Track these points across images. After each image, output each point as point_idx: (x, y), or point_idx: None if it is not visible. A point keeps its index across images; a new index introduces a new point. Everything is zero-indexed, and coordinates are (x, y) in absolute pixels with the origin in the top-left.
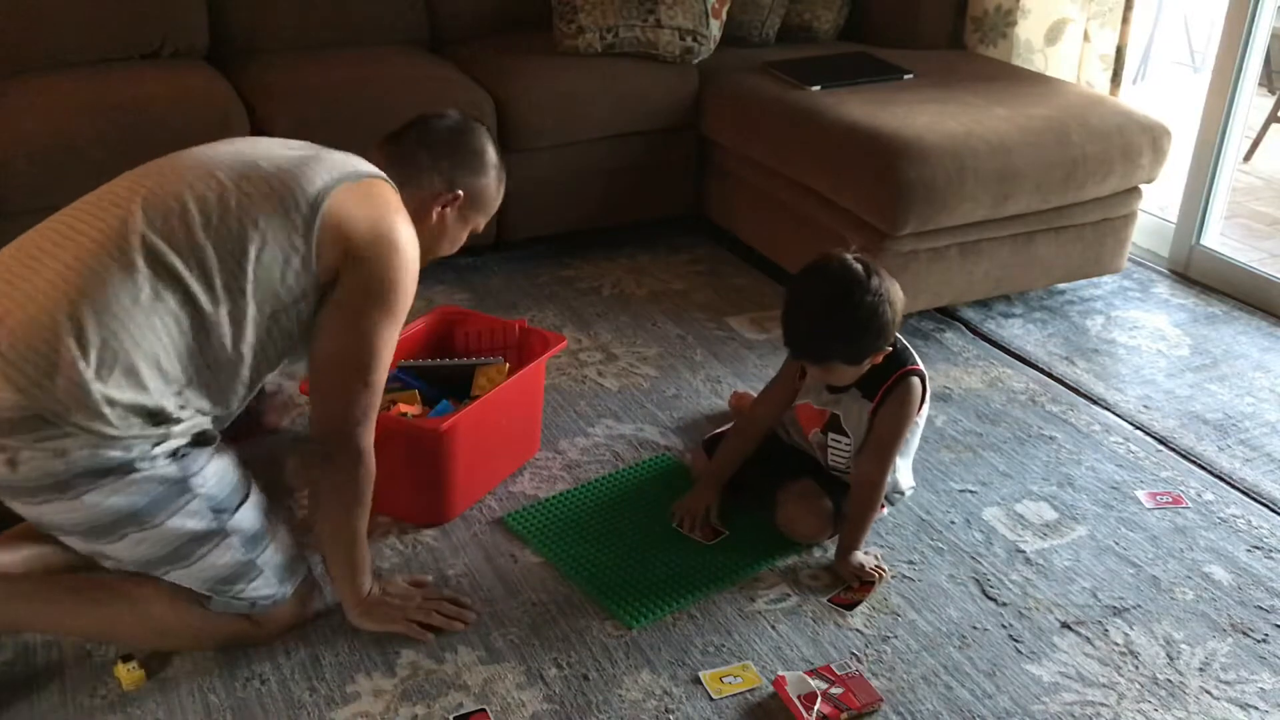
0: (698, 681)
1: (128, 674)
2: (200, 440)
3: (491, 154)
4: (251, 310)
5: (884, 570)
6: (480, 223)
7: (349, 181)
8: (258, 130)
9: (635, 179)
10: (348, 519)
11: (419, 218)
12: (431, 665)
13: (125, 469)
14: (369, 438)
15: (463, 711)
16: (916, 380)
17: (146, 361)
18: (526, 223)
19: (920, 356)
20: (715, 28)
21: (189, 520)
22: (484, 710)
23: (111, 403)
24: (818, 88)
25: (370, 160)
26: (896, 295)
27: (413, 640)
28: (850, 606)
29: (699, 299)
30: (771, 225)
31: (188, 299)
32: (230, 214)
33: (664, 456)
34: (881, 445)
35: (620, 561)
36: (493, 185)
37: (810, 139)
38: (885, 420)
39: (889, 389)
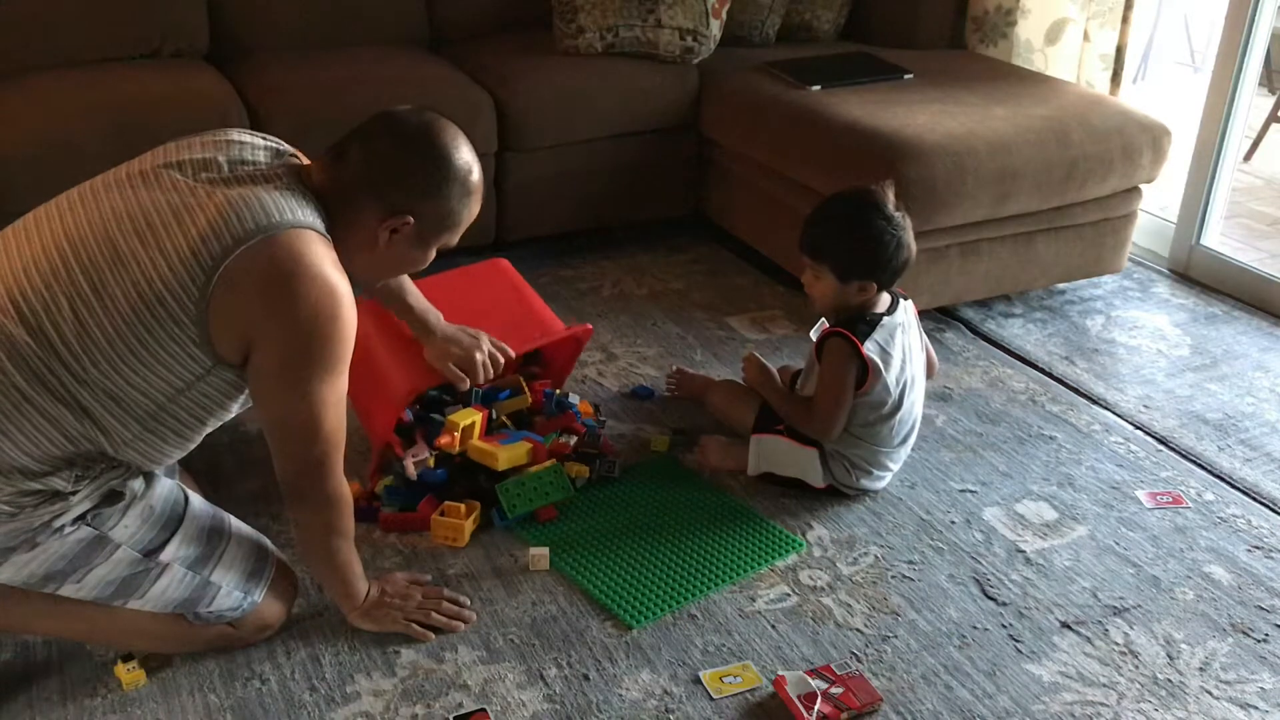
0: (698, 681)
1: (128, 674)
2: (111, 499)
3: (454, 165)
4: (127, 407)
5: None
6: (449, 240)
7: (251, 243)
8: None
9: (635, 179)
10: (330, 551)
11: (366, 245)
12: (431, 665)
13: (29, 544)
14: (334, 480)
15: (463, 711)
16: (836, 340)
17: (21, 455)
18: (526, 223)
19: None
20: (715, 28)
21: (119, 567)
22: (484, 710)
23: None
24: (818, 88)
25: (313, 174)
26: (908, 243)
27: (413, 640)
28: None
29: (699, 299)
30: (771, 225)
31: (62, 397)
32: (104, 310)
33: (664, 457)
34: (816, 391)
35: (620, 561)
36: (452, 202)
37: (810, 139)
38: (816, 371)
39: (819, 346)
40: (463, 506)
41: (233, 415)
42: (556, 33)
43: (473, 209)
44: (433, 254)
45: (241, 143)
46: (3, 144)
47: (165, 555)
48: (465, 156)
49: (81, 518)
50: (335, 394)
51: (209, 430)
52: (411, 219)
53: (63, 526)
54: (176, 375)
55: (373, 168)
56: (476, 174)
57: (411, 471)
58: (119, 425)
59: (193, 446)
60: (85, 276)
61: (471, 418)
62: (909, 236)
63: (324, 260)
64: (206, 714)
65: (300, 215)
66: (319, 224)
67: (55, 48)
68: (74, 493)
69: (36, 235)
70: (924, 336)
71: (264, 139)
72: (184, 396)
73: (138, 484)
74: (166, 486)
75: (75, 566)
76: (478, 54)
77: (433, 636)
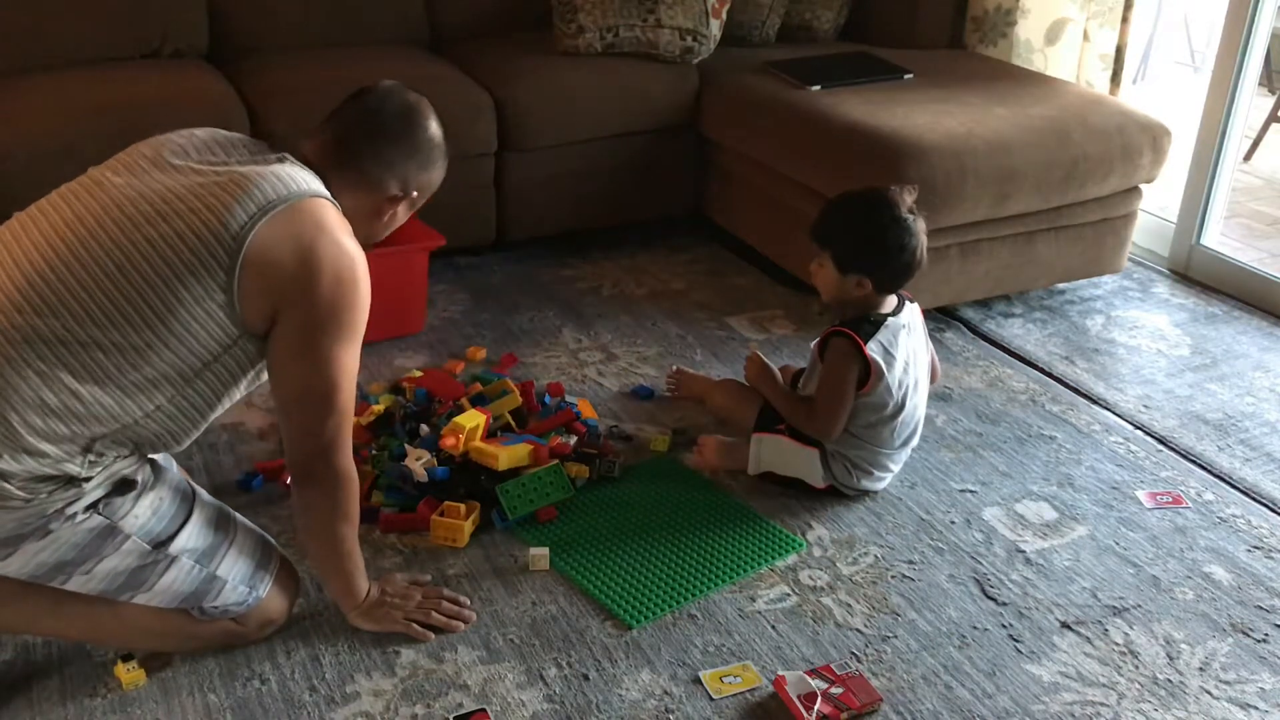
0: (698, 681)
1: (127, 674)
2: (122, 488)
3: (439, 137)
4: (155, 380)
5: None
6: (424, 201)
7: (275, 211)
8: (255, 130)
9: (635, 179)
10: (335, 537)
11: (370, 216)
12: (431, 665)
13: (41, 531)
14: (345, 457)
15: (463, 711)
16: (838, 339)
17: (38, 439)
18: (526, 223)
19: None
20: (715, 27)
21: (128, 558)
22: (484, 710)
23: (7, 476)
24: (818, 88)
25: (309, 151)
26: (916, 246)
27: (413, 640)
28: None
29: (699, 299)
30: (771, 225)
31: (82, 375)
32: (131, 284)
33: (664, 457)
34: (817, 390)
35: (620, 561)
36: (441, 171)
37: (810, 139)
38: (819, 370)
39: (822, 345)
40: (462, 507)
41: (240, 397)
42: (556, 33)
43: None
44: (409, 216)
45: (226, 134)
46: (3, 143)
47: (174, 548)
48: (440, 127)
49: (93, 505)
50: (352, 362)
51: (221, 410)
52: (416, 194)
53: (75, 514)
54: (204, 347)
55: (386, 153)
56: (446, 142)
57: (421, 473)
58: (145, 400)
59: (205, 426)
60: (110, 256)
61: (476, 420)
62: (916, 241)
63: (342, 228)
64: (206, 714)
65: (316, 185)
66: (327, 192)
67: (55, 48)
68: (87, 479)
69: (46, 223)
70: (929, 341)
71: (239, 135)
72: (209, 370)
73: (147, 473)
74: (175, 479)
75: (85, 556)
76: (478, 54)
77: (432, 636)
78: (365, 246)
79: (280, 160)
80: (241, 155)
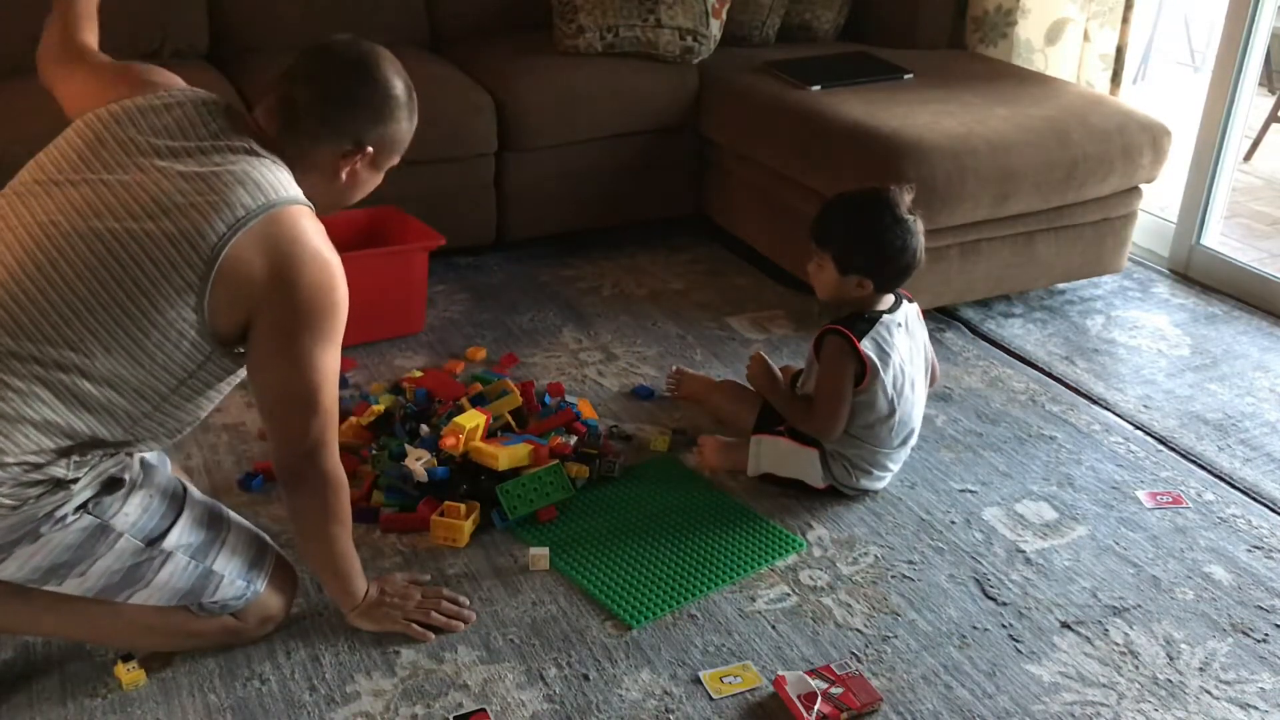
0: (698, 681)
1: (127, 674)
2: (111, 486)
3: (398, 90)
4: (130, 398)
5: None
6: (395, 160)
7: (247, 226)
8: None
9: (635, 179)
10: (328, 540)
11: (328, 178)
12: (431, 665)
13: (33, 536)
14: (332, 459)
15: (463, 711)
16: (833, 337)
17: (19, 452)
18: (526, 223)
19: None
20: (715, 27)
21: (122, 557)
22: (484, 710)
23: None
24: (818, 88)
25: (261, 115)
26: (913, 247)
27: (413, 640)
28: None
29: (699, 299)
30: (771, 225)
31: (59, 392)
32: (105, 309)
33: (664, 457)
34: (815, 389)
35: (620, 561)
36: (404, 125)
37: (810, 139)
38: (815, 368)
39: (817, 344)
40: (462, 507)
41: (222, 398)
42: (556, 33)
43: (414, 127)
44: (381, 176)
45: (195, 101)
46: (3, 143)
47: (168, 543)
48: (401, 78)
49: (83, 506)
50: (333, 364)
51: (206, 413)
52: (371, 149)
53: (65, 516)
54: (180, 365)
55: (328, 109)
56: (412, 93)
57: (421, 473)
58: (123, 415)
59: (192, 428)
60: (81, 280)
61: (476, 420)
62: (916, 241)
63: (318, 235)
64: (206, 714)
65: (286, 190)
66: (300, 193)
67: None
68: (74, 480)
69: (12, 236)
70: (929, 344)
71: (183, 91)
72: (185, 386)
73: (135, 471)
74: (165, 476)
75: (79, 558)
76: (478, 54)
77: (432, 636)
78: (333, 210)
79: (250, 153)
80: (204, 136)
